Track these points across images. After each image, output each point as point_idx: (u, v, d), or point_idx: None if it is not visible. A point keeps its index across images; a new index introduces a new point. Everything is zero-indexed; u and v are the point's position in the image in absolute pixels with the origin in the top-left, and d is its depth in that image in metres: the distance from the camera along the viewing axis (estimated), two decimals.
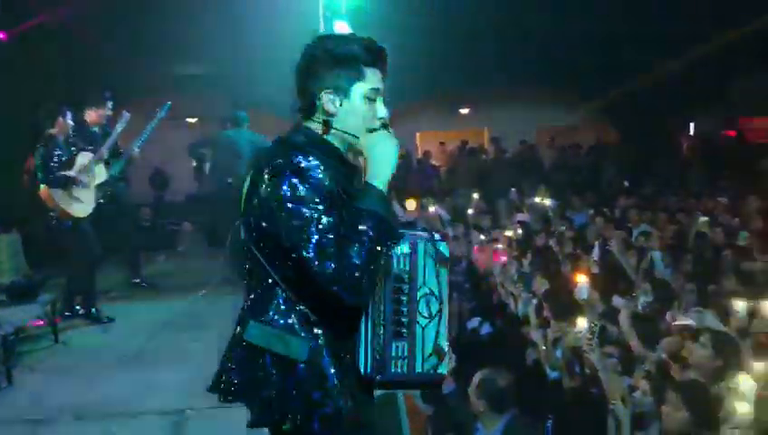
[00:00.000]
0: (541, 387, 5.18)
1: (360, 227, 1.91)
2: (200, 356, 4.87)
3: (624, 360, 4.63)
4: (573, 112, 16.58)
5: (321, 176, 1.95)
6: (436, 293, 2.11)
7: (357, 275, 1.87)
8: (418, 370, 2.06)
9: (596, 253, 7.32)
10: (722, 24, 11.91)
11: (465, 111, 17.54)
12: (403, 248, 2.05)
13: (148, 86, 11.08)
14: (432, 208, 9.81)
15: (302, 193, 1.91)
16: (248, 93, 11.70)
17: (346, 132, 2.08)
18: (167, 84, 11.65)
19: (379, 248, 1.93)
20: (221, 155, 8.39)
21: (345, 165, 2.13)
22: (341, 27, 8.33)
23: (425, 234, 2.13)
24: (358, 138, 2.08)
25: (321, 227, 1.89)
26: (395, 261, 2.04)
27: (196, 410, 4.36)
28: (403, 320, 2.04)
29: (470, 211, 10.09)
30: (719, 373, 3.84)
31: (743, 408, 3.05)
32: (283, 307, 2.04)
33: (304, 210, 1.90)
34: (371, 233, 1.91)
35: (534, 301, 5.95)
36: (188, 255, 10.28)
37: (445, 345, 2.11)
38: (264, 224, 2.00)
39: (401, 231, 2.07)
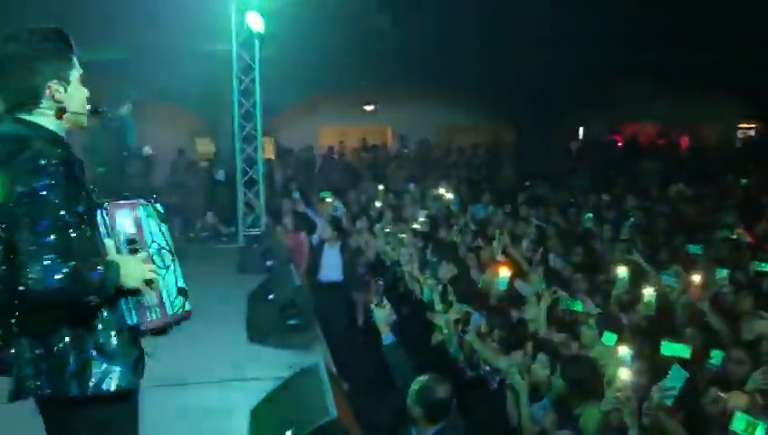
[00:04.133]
0: (444, 367, 5.54)
1: (93, 266, 2.12)
2: None
3: (513, 338, 5.09)
4: (472, 113, 17.23)
5: (58, 170, 2.10)
6: (165, 245, 2.43)
7: (57, 288, 2.03)
8: (170, 312, 2.37)
9: (496, 245, 7.78)
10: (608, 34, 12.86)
11: (369, 107, 17.85)
12: (126, 216, 2.34)
13: None
14: (329, 201, 10.01)
15: (44, 192, 2.06)
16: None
17: (75, 113, 2.33)
18: None
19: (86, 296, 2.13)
20: None
21: (69, 152, 2.24)
22: (253, 18, 8.39)
23: (141, 200, 2.42)
24: (84, 114, 2.37)
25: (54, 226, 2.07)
26: (123, 228, 2.32)
27: None
28: None
29: (377, 204, 10.37)
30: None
31: (624, 373, 3.47)
32: None
33: (47, 210, 2.06)
34: (96, 283, 2.10)
35: (439, 287, 6.30)
36: None
37: (184, 285, 2.45)
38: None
39: (121, 202, 2.37)
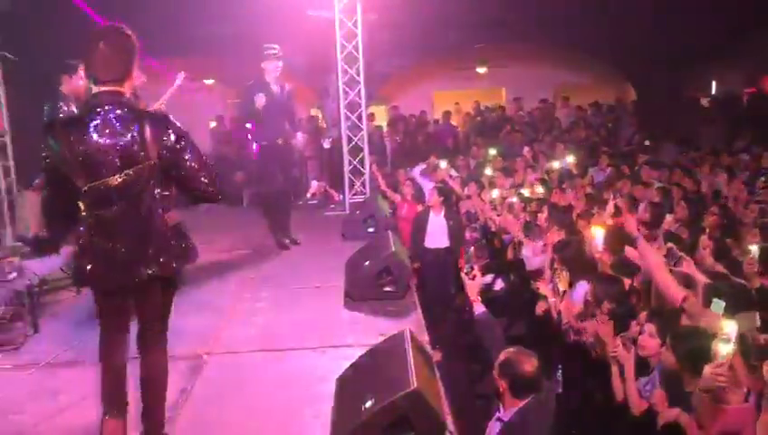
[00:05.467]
0: (549, 336, 5.27)
1: None
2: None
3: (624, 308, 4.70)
4: (591, 71, 16.34)
5: None
6: None
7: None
8: None
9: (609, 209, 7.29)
10: None
11: (482, 70, 17.37)
12: None
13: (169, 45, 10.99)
14: (443, 166, 9.79)
15: None
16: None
17: None
18: (186, 44, 11.61)
19: None
20: None
21: None
22: None
23: None
24: None
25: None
26: None
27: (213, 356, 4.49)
28: None
29: (488, 170, 10.06)
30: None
31: (726, 348, 3.08)
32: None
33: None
34: None
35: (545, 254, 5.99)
36: None
37: None
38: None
39: None
